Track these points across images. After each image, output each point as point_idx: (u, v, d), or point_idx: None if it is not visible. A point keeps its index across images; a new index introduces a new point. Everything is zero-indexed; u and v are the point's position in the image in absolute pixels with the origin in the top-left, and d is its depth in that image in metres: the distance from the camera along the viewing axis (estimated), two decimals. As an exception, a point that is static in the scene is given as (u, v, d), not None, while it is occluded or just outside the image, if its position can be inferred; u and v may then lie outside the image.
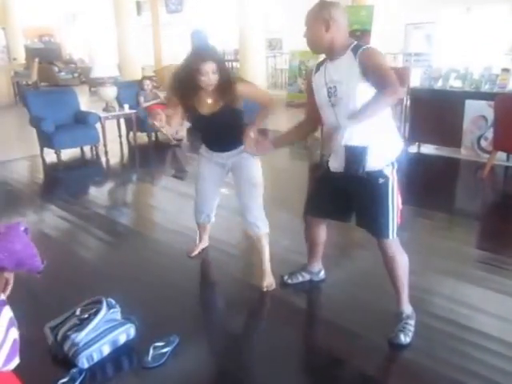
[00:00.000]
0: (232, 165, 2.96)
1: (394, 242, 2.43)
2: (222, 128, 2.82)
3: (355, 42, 2.27)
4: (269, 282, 3.00)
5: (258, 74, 10.99)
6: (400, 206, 2.39)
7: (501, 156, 5.52)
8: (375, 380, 2.27)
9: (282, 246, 3.57)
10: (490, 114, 5.53)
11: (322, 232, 2.86)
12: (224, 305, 2.89)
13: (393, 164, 2.32)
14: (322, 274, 3.08)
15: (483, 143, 5.89)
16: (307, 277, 3.06)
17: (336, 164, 2.43)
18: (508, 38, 9.18)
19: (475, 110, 5.87)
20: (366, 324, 2.61)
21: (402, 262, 2.45)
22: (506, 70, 6.06)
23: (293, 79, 10.82)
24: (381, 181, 2.31)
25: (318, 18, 2.25)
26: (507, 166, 5.60)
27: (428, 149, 6.39)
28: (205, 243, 3.56)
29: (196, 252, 3.49)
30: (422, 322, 2.56)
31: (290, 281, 3.05)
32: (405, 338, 2.42)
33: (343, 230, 3.92)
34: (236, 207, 4.66)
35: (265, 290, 2.95)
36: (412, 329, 2.47)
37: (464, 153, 6.07)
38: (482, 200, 4.93)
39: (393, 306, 2.58)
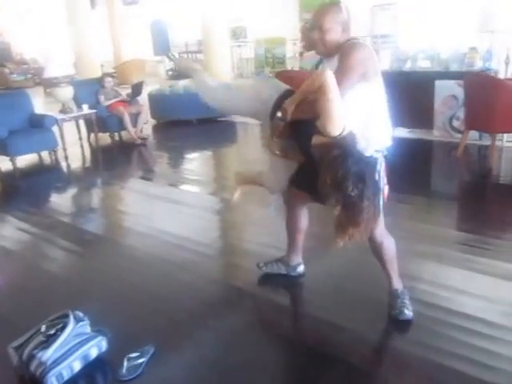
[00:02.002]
0: None
1: (379, 224, 2.46)
2: None
3: (350, 38, 2.33)
4: None
5: (224, 65, 10.92)
6: (386, 193, 2.44)
7: (473, 135, 5.61)
8: (364, 372, 2.27)
9: (260, 243, 3.56)
10: (460, 93, 5.61)
11: (304, 218, 2.87)
12: (202, 308, 2.84)
13: (382, 152, 2.37)
14: (301, 268, 3.05)
15: (455, 123, 5.98)
16: (283, 269, 3.03)
17: None
18: (476, 17, 9.30)
19: (445, 90, 5.95)
20: (351, 316, 2.61)
21: (390, 244, 2.53)
22: (473, 49, 6.17)
23: (260, 68, 10.80)
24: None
25: (338, 22, 2.31)
26: (480, 145, 5.69)
27: (401, 132, 6.46)
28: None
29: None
30: (417, 311, 2.56)
31: (264, 268, 3.04)
32: (409, 313, 2.51)
33: (323, 221, 3.92)
34: (208, 206, 4.70)
35: None
36: (409, 302, 2.56)
37: (437, 134, 6.15)
38: (458, 181, 5.01)
39: (377, 294, 2.61)
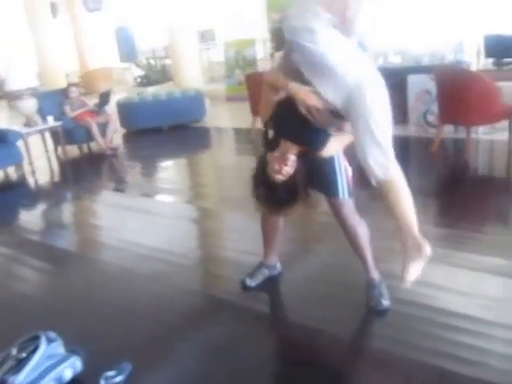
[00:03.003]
0: None
1: (346, 203, 2.57)
2: None
3: None
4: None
5: (193, 69, 10.93)
6: (349, 173, 2.56)
7: (449, 129, 5.71)
8: (345, 374, 2.30)
9: (238, 250, 3.57)
10: (433, 87, 5.71)
11: (280, 219, 2.88)
12: (180, 321, 2.82)
13: None
14: (279, 265, 3.11)
15: (430, 118, 6.08)
16: (267, 272, 3.05)
17: None
18: (446, 10, 9.48)
19: (418, 85, 6.05)
20: (330, 318, 2.63)
21: (363, 230, 2.62)
22: (444, 42, 6.30)
23: (230, 71, 10.81)
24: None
25: None
26: (456, 139, 5.80)
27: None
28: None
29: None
30: (391, 309, 2.61)
31: (253, 283, 3.00)
32: (386, 302, 2.62)
33: (299, 225, 3.96)
34: (183, 215, 4.67)
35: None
36: (387, 292, 2.64)
37: (412, 129, 6.25)
38: (435, 176, 5.09)
39: (355, 295, 2.63)
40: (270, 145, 2.31)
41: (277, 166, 2.22)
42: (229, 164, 6.36)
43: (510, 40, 5.88)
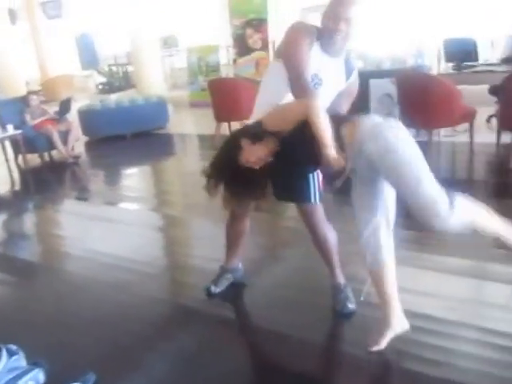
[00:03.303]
0: None
1: (318, 209, 2.57)
2: None
3: None
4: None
5: (156, 76, 10.85)
6: (320, 176, 2.54)
7: (411, 132, 5.79)
8: (315, 379, 2.29)
9: (203, 256, 3.54)
10: (394, 91, 5.81)
11: (247, 222, 2.86)
12: (148, 331, 2.76)
13: None
14: (241, 266, 3.09)
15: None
16: (231, 277, 3.03)
17: None
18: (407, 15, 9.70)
19: (380, 89, 6.15)
20: (299, 324, 2.62)
21: (332, 236, 2.63)
22: (405, 46, 6.42)
23: (193, 77, 10.77)
24: None
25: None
26: (418, 141, 5.87)
27: (340, 133, 6.60)
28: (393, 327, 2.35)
29: (380, 345, 2.33)
30: (357, 312, 2.63)
31: (218, 290, 2.97)
32: (352, 305, 2.65)
33: (266, 231, 3.96)
34: (148, 222, 4.61)
35: None
36: (352, 295, 2.68)
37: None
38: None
39: (323, 300, 2.64)
40: (253, 136, 2.17)
41: (253, 159, 2.14)
42: (193, 170, 6.29)
43: (469, 44, 6.03)
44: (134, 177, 6.54)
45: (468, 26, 7.25)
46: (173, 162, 7.18)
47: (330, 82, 2.40)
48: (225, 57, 10.74)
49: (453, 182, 4.84)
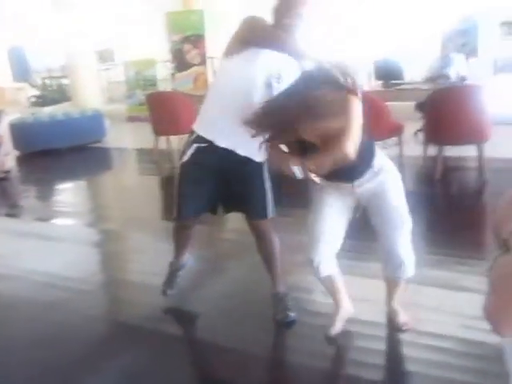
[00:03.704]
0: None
1: (270, 221, 2.60)
2: None
3: None
4: (405, 318, 2.54)
5: (92, 89, 10.62)
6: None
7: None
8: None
9: (143, 272, 3.47)
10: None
11: (194, 231, 2.83)
12: (87, 350, 2.63)
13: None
14: (191, 257, 3.04)
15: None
16: (180, 274, 2.99)
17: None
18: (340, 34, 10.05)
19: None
20: (243, 335, 2.62)
21: (277, 243, 2.67)
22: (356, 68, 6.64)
23: (131, 91, 10.62)
24: (257, 159, 2.44)
25: None
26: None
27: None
28: (344, 309, 2.56)
29: (337, 330, 2.51)
30: (300, 320, 2.65)
31: (173, 291, 2.96)
32: (292, 314, 2.65)
33: (208, 243, 3.94)
34: (83, 238, 4.46)
35: (404, 328, 2.50)
36: (292, 303, 2.71)
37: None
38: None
39: (265, 310, 2.68)
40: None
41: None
42: (131, 185, 6.21)
43: (396, 64, 6.34)
44: (69, 192, 6.32)
45: (395, 46, 7.60)
46: (110, 176, 7.02)
47: (288, 81, 2.31)
48: (162, 71, 10.68)
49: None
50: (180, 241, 2.88)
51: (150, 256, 3.70)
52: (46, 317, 3.01)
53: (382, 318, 2.67)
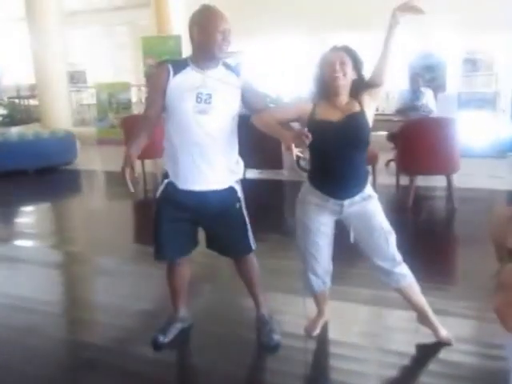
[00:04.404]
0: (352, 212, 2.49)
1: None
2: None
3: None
4: (445, 333, 2.59)
5: (62, 111, 10.56)
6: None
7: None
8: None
9: (119, 295, 3.44)
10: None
11: (188, 270, 2.76)
12: (55, 376, 2.61)
13: (240, 181, 2.57)
14: (190, 317, 2.90)
15: (302, 163, 6.48)
16: (179, 326, 2.82)
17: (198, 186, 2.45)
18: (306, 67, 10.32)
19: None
20: (224, 358, 2.63)
21: (257, 266, 2.71)
22: (306, 96, 6.84)
23: (103, 114, 10.61)
24: (237, 205, 2.53)
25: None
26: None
27: (252, 173, 6.80)
28: (326, 316, 2.83)
29: (318, 330, 2.77)
30: (282, 343, 2.68)
31: (166, 339, 2.73)
32: (277, 336, 2.66)
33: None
34: (47, 260, 4.36)
35: (448, 341, 2.56)
36: (276, 327, 2.73)
37: (286, 174, 6.61)
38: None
39: (245, 332, 2.73)
40: None
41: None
42: (103, 208, 6.17)
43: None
44: (34, 214, 6.19)
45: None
46: (78, 198, 6.94)
47: (219, 91, 2.41)
48: (136, 95, 10.73)
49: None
50: (173, 283, 2.75)
51: (125, 280, 3.69)
52: (10, 341, 2.93)
53: (357, 339, 2.77)
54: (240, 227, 2.57)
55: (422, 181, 5.45)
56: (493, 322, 2.76)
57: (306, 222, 2.52)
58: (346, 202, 2.41)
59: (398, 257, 2.50)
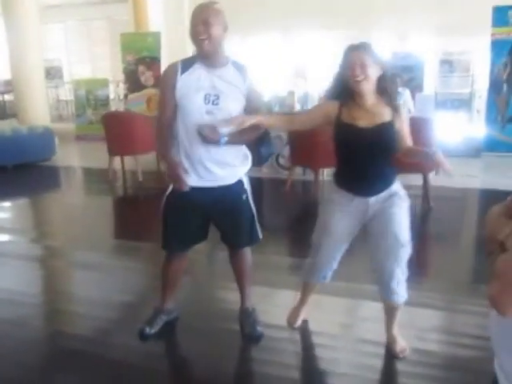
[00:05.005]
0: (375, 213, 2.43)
1: None
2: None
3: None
4: (403, 345, 2.61)
5: (39, 107, 10.48)
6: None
7: (298, 171, 6.27)
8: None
9: (102, 288, 3.52)
10: (283, 133, 6.24)
11: (185, 264, 2.83)
12: (42, 365, 2.66)
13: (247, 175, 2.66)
14: (176, 310, 2.96)
15: (281, 161, 6.61)
16: (165, 318, 2.87)
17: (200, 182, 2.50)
18: (291, 64, 10.44)
19: (271, 130, 6.54)
20: (209, 351, 2.71)
21: (251, 260, 2.81)
22: (291, 93, 6.97)
23: (81, 110, 10.57)
24: (244, 197, 2.61)
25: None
26: (304, 180, 6.38)
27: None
28: (307, 307, 2.89)
29: (300, 321, 2.87)
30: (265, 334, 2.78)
31: (152, 330, 2.79)
32: (260, 329, 2.76)
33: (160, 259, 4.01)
34: (14, 251, 4.38)
35: (401, 356, 2.57)
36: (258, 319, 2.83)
37: (265, 171, 6.71)
38: (288, 212, 5.54)
39: (228, 324, 2.83)
40: None
41: None
42: (82, 204, 6.20)
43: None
44: (13, 210, 6.17)
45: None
46: (57, 194, 6.93)
47: (227, 93, 2.43)
48: (114, 91, 10.71)
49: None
50: (167, 277, 2.80)
51: (107, 275, 3.75)
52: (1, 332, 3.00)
53: (331, 329, 2.91)
54: (248, 218, 2.65)
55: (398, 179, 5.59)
56: (463, 313, 2.95)
57: (326, 220, 2.49)
58: (372, 200, 2.37)
59: (403, 274, 2.44)
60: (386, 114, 2.31)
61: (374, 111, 2.31)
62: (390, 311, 2.58)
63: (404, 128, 2.36)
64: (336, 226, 2.44)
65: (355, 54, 2.24)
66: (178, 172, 2.38)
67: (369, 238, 2.48)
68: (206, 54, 2.39)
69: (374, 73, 2.26)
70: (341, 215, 2.43)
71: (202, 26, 2.32)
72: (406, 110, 6.62)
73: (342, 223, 2.44)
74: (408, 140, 2.38)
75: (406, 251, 2.41)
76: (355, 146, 2.32)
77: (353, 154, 2.35)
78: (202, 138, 2.36)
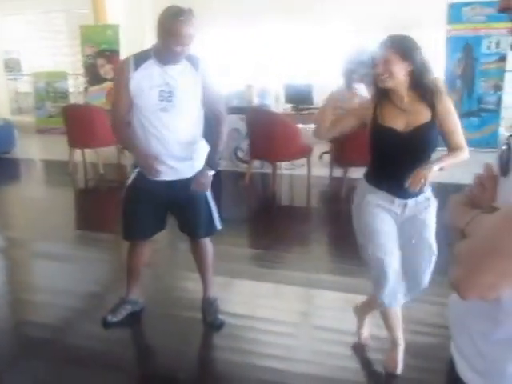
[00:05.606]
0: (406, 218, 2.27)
1: None
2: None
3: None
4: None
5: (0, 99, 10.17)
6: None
7: (256, 164, 6.32)
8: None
9: (66, 278, 3.51)
10: (242, 126, 6.28)
11: (148, 252, 2.87)
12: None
13: None
14: (141, 300, 2.98)
15: (240, 154, 6.64)
16: (130, 308, 2.90)
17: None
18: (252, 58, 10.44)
19: (228, 124, 6.54)
20: (173, 337, 2.76)
21: (211, 250, 2.85)
22: (250, 86, 6.98)
23: (40, 103, 10.30)
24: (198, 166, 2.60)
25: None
26: (263, 173, 6.43)
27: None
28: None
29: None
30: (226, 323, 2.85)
31: (115, 319, 2.82)
32: (221, 316, 2.84)
33: (116, 250, 4.00)
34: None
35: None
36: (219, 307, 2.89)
37: (224, 164, 6.72)
38: (248, 205, 5.60)
39: (191, 313, 2.86)
40: None
41: None
42: (43, 196, 6.08)
43: (304, 89, 6.79)
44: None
45: (306, 73, 8.07)
46: (16, 187, 6.77)
47: (181, 89, 2.42)
48: (74, 84, 10.47)
49: (292, 209, 5.39)
50: (130, 267, 2.85)
51: (75, 266, 3.74)
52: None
53: (291, 317, 2.98)
54: (206, 209, 2.69)
55: (354, 172, 5.71)
56: (421, 302, 3.01)
57: (369, 221, 2.22)
58: (411, 203, 2.22)
59: (426, 283, 2.33)
60: (424, 113, 2.13)
61: (410, 110, 2.14)
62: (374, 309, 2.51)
63: (448, 123, 2.14)
64: (381, 223, 2.22)
65: (380, 51, 2.13)
66: (150, 163, 2.42)
67: (400, 249, 2.27)
68: (178, 57, 2.40)
69: (400, 69, 2.10)
70: (383, 214, 2.22)
71: (184, 38, 2.30)
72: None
73: (386, 221, 2.23)
74: (455, 136, 2.16)
75: (434, 259, 2.30)
76: (393, 149, 2.17)
77: (389, 155, 2.21)
78: None
